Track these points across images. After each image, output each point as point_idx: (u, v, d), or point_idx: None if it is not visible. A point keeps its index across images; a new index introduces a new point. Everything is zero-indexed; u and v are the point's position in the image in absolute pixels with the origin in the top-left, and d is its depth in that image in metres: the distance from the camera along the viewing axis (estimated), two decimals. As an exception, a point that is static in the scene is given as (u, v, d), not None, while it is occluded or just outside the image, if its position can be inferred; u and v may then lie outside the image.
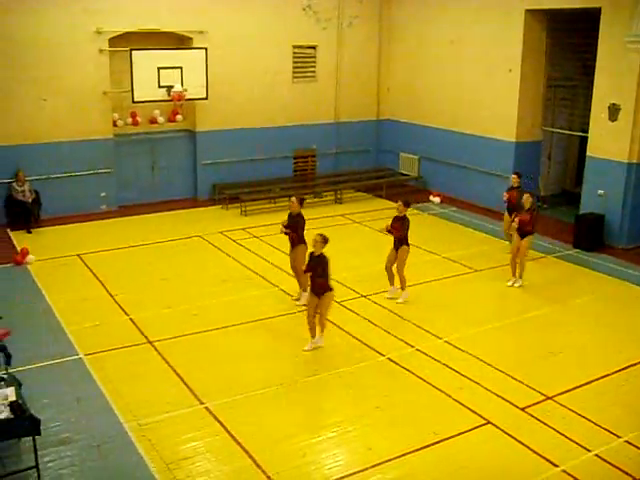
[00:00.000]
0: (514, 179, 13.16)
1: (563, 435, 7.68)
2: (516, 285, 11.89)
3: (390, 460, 7.21)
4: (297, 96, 18.19)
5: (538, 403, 8.35)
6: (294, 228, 10.90)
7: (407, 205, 11.18)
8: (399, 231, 11.06)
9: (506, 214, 13.27)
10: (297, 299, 11.17)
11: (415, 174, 18.97)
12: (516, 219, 11.76)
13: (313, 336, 9.59)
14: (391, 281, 11.32)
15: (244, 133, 17.54)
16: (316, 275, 9.34)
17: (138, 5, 15.56)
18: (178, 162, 17.25)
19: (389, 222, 11.24)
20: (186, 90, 15.77)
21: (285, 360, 9.37)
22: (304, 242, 10.85)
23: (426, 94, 18.34)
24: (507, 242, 13.27)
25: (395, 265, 11.19)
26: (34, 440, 6.68)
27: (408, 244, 11.17)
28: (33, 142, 15.00)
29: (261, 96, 17.59)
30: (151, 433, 7.57)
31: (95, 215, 15.71)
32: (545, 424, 7.88)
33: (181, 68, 15.74)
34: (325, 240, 9.35)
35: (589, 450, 7.42)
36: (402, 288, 11.24)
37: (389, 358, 9.34)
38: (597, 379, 8.94)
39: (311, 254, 9.53)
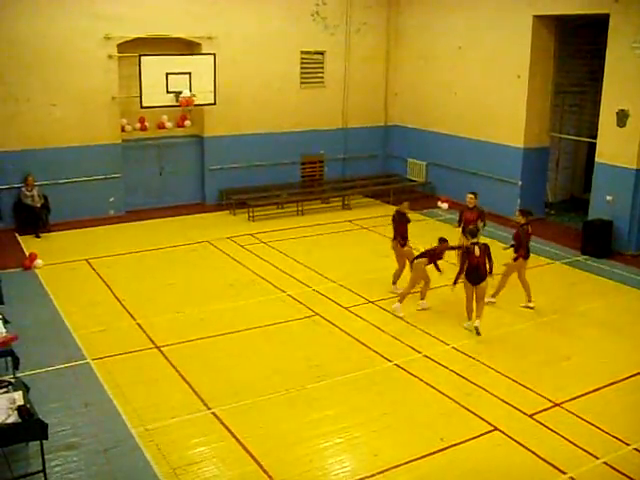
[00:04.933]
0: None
1: (571, 442, 7.64)
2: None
3: (397, 466, 7.19)
4: (305, 102, 18.22)
5: (546, 410, 8.30)
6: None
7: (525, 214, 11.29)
8: None
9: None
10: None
11: (423, 180, 18.95)
12: None
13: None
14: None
15: (252, 139, 17.58)
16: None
17: (147, 11, 15.65)
18: (186, 167, 17.30)
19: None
20: (194, 95, 15.82)
21: (292, 366, 9.36)
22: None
23: (434, 100, 18.34)
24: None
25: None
26: (41, 444, 6.70)
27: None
28: (42, 147, 15.08)
29: (269, 102, 17.63)
30: (158, 438, 7.57)
31: (103, 220, 15.76)
32: (553, 431, 7.85)
33: (189, 74, 15.81)
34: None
35: (597, 457, 7.38)
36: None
37: (396, 364, 9.32)
38: (606, 386, 8.89)
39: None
